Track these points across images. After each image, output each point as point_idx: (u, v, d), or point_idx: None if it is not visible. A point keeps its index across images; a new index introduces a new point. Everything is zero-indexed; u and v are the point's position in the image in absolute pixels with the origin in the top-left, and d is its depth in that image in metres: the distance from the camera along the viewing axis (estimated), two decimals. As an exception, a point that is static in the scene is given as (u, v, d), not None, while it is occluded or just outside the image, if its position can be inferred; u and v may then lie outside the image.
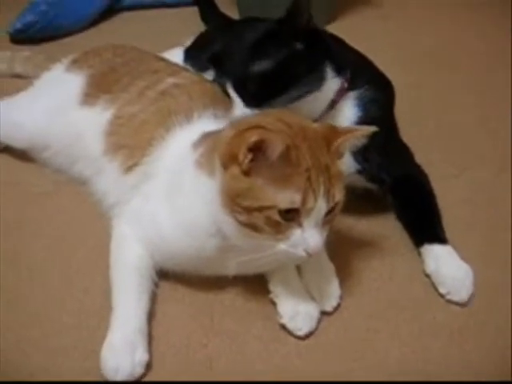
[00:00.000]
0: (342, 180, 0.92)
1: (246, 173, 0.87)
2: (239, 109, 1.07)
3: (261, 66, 1.04)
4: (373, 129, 0.94)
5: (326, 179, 0.88)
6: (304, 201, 0.86)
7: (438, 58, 1.74)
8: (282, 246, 0.90)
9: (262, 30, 1.07)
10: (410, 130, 1.25)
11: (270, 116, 0.93)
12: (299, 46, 1.06)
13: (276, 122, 0.90)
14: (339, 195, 0.90)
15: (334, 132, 0.92)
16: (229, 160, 0.88)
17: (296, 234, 0.89)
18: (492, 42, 1.80)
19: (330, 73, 1.09)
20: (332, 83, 1.10)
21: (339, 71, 1.11)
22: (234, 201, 0.88)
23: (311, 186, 0.86)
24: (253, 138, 0.84)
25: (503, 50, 1.73)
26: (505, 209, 1.23)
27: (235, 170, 0.88)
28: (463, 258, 1.09)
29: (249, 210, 0.87)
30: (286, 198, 0.86)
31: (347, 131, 0.93)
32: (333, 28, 1.79)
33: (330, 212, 0.90)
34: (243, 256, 0.93)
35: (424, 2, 2.03)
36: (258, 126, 0.86)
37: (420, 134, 1.36)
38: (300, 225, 0.88)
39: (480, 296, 1.05)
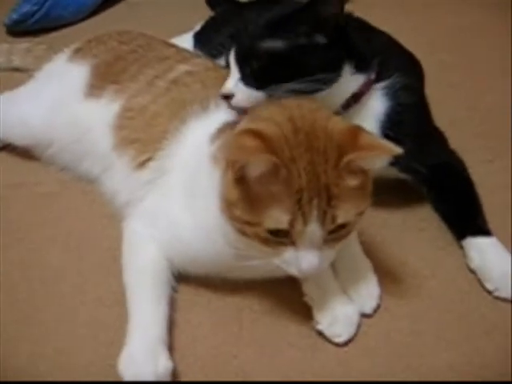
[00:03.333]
0: (352, 198, 0.79)
1: (237, 181, 0.79)
2: (232, 81, 0.97)
3: (271, 44, 0.94)
4: (399, 151, 0.80)
5: (323, 201, 0.77)
6: (292, 223, 0.77)
7: (468, 38, 1.63)
8: (275, 261, 0.82)
9: (284, 11, 0.97)
10: (442, 113, 1.15)
11: (282, 112, 0.83)
12: (320, 39, 0.95)
13: (285, 122, 0.80)
14: (344, 216, 0.79)
15: (354, 142, 0.79)
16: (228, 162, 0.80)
17: (288, 251, 0.81)
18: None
19: (348, 71, 0.99)
20: (351, 81, 1.00)
21: (364, 67, 1.01)
22: (227, 207, 0.81)
23: (301, 208, 0.76)
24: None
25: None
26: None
27: (230, 175, 0.80)
28: (505, 248, 1.00)
29: (240, 221, 0.80)
30: (273, 217, 0.77)
31: (369, 146, 0.79)
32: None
33: (334, 231, 0.80)
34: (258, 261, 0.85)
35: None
36: (254, 132, 0.77)
37: (452, 118, 1.26)
38: (293, 243, 0.80)
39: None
